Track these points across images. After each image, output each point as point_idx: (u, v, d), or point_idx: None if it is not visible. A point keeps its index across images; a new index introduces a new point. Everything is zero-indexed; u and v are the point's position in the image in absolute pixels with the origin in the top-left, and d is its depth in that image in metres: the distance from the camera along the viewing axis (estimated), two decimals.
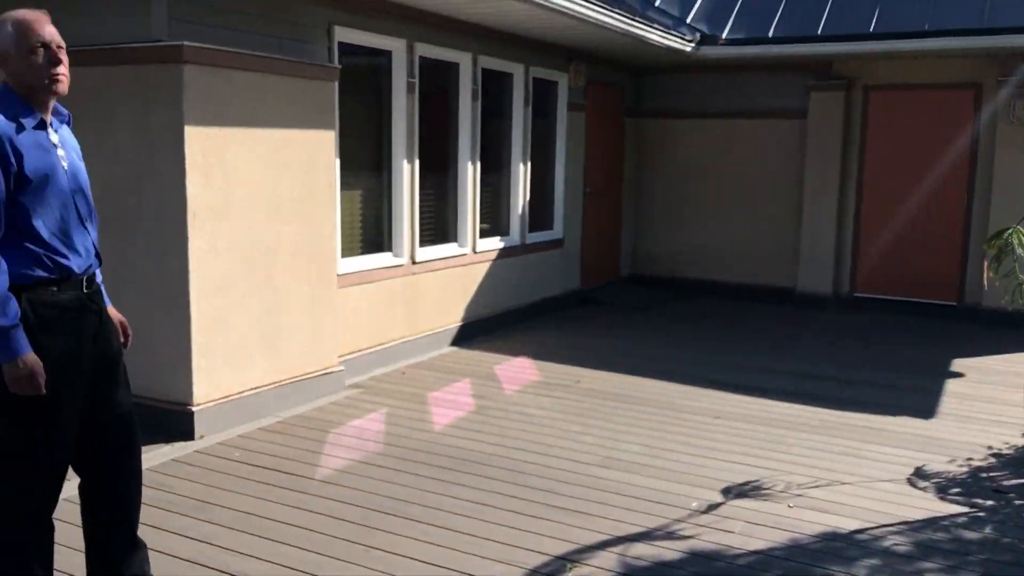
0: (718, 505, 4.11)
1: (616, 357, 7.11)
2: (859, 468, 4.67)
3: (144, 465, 4.07)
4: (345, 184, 6.16)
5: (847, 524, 3.92)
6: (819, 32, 8.91)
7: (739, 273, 10.18)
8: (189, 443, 4.75)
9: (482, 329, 7.70)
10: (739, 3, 9.76)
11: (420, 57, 6.70)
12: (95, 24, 4.83)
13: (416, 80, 6.65)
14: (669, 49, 8.63)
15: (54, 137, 2.72)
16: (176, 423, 4.83)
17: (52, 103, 2.74)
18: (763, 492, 4.28)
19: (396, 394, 5.86)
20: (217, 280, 4.91)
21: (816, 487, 4.36)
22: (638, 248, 10.78)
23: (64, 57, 2.69)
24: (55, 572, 2.81)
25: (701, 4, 9.89)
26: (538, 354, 7.11)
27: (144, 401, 4.95)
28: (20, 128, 2.57)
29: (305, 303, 5.54)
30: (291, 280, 5.42)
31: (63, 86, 2.70)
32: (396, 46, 6.47)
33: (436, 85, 7.08)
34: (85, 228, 2.79)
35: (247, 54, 4.97)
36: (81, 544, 2.93)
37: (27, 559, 2.67)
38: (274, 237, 5.26)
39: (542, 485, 4.30)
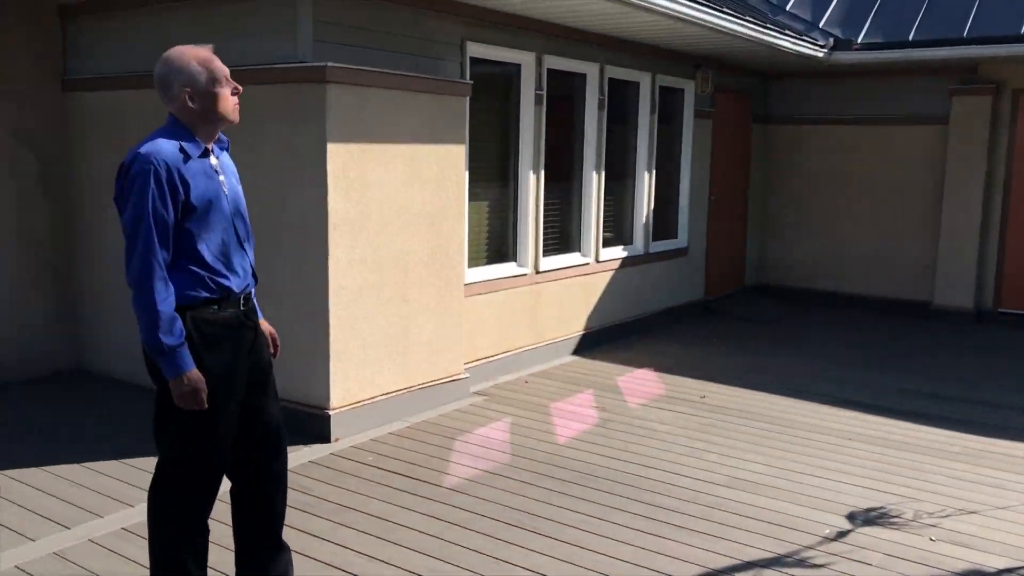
0: (851, 533, 4.00)
1: (741, 371, 6.99)
2: (1005, 500, 4.44)
3: None
4: (472, 195, 6.30)
5: (994, 562, 3.74)
6: (965, 34, 8.48)
7: (871, 285, 9.81)
8: (325, 445, 4.97)
9: (604, 339, 7.71)
10: (876, 5, 9.40)
11: (548, 69, 6.77)
12: (247, 45, 5.12)
13: (544, 92, 6.73)
14: (800, 55, 8.40)
15: (216, 163, 2.91)
16: (313, 425, 5.07)
17: (219, 132, 2.93)
18: (900, 522, 4.13)
19: (519, 403, 5.95)
20: (354, 290, 5.12)
21: (958, 519, 4.18)
22: (764, 257, 10.53)
23: (239, 88, 2.91)
24: (208, 570, 3.01)
25: (835, 7, 9.58)
26: (661, 366, 7.07)
27: (284, 403, 5.23)
28: (187, 158, 2.77)
29: (433, 312, 5.69)
30: (421, 290, 5.58)
31: (238, 115, 2.92)
32: (525, 59, 6.57)
33: (562, 95, 7.14)
34: (243, 249, 2.98)
35: (385, 73, 5.15)
36: (231, 543, 3.12)
37: (184, 559, 2.87)
38: (406, 248, 5.44)
39: (667, 504, 4.29)
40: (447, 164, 5.69)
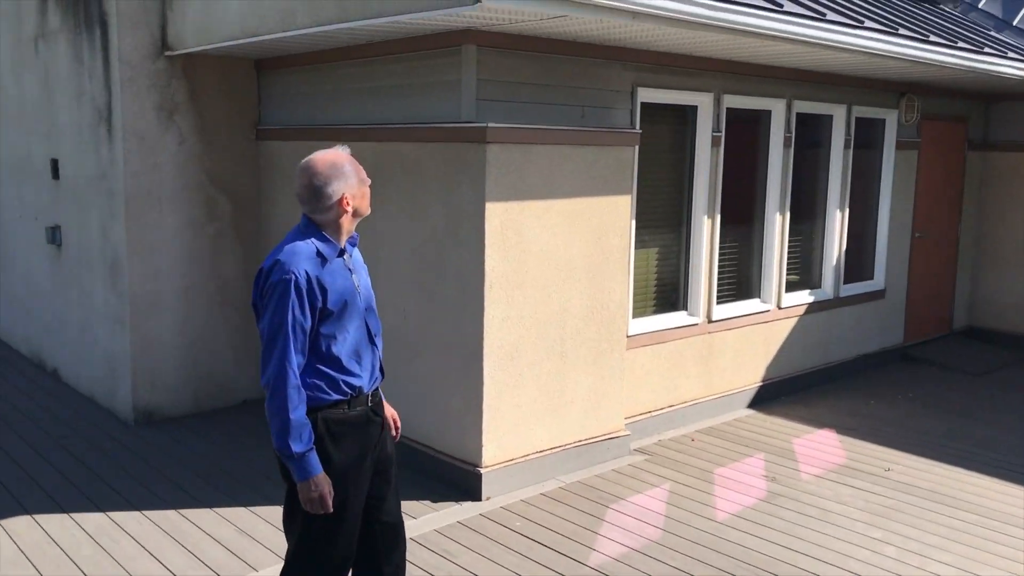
0: None
1: (939, 438, 6.31)
2: None
3: (431, 526, 4.34)
4: (639, 242, 6.09)
5: None
6: None
7: None
8: (475, 504, 4.95)
9: (784, 390, 7.23)
10: None
11: (727, 109, 6.42)
12: (413, 103, 5.20)
13: (722, 133, 6.38)
14: None
15: (349, 262, 2.92)
16: (464, 481, 5.07)
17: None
18: None
19: (681, 465, 5.67)
20: (509, 347, 5.07)
21: None
22: (977, 297, 9.50)
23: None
24: None
25: None
26: (844, 427, 6.51)
27: (436, 455, 5.28)
28: (325, 261, 2.79)
29: (592, 367, 5.54)
30: (579, 345, 5.45)
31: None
32: (702, 101, 6.25)
33: (743, 134, 6.75)
34: (374, 344, 2.99)
35: (546, 129, 5.06)
36: None
37: None
38: (564, 304, 5.32)
39: None
40: (611, 216, 5.51)
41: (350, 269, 2.91)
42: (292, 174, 6.28)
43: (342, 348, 2.84)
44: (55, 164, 6.95)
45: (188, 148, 6.27)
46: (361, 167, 2.91)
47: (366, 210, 2.90)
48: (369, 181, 2.92)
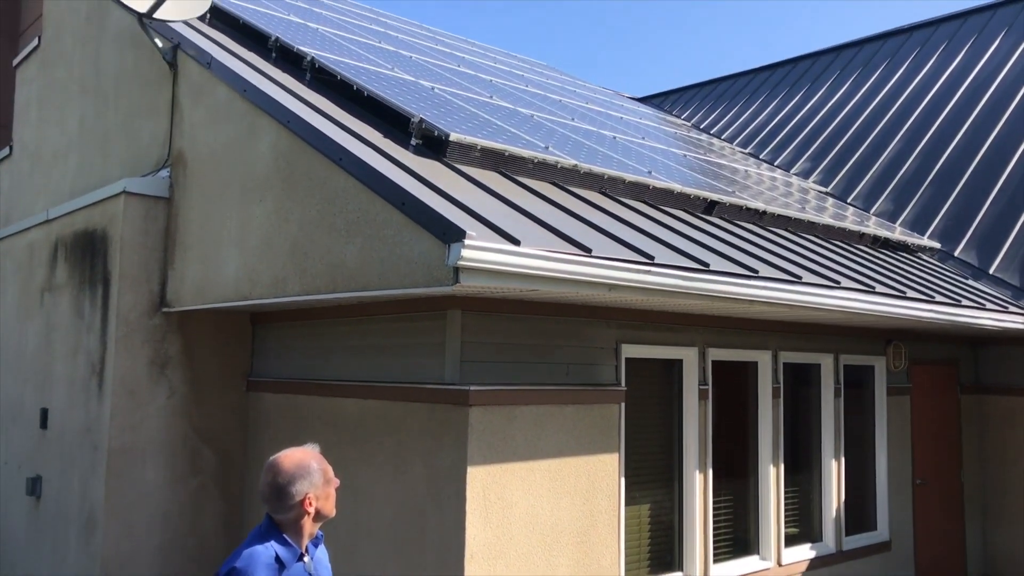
0: None
1: None
2: None
3: None
4: (630, 499, 5.93)
5: None
6: None
7: None
8: None
9: None
10: None
11: (713, 362, 6.49)
12: (398, 362, 5.26)
13: (709, 386, 6.41)
14: (1005, 331, 7.61)
15: (309, 564, 2.82)
16: None
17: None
18: None
19: None
20: None
21: None
22: (991, 548, 9.11)
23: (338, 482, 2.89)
24: None
25: None
26: None
27: None
28: (282, 568, 2.69)
29: None
30: None
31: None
32: (687, 355, 6.34)
33: (731, 385, 6.78)
34: None
35: (529, 390, 5.09)
36: None
37: None
38: (550, 571, 5.09)
39: None
40: (599, 476, 5.41)
41: (310, 574, 2.80)
42: (282, 426, 6.29)
43: None
44: (45, 414, 6.96)
45: (177, 401, 6.29)
46: (329, 467, 2.87)
47: (330, 512, 2.83)
48: (337, 482, 2.87)
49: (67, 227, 7.06)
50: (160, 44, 6.46)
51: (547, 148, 6.24)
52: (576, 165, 6.11)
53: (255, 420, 6.60)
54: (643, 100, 18.37)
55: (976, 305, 7.29)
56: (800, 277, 5.70)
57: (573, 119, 8.88)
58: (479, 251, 3.97)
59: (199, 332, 6.42)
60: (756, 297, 5.26)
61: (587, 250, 4.49)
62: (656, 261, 4.77)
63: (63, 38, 8.56)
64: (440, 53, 10.67)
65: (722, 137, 14.60)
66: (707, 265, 5.09)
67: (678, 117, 16.18)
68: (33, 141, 9.13)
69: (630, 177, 6.45)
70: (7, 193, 9.69)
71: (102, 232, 6.39)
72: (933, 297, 6.84)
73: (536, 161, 5.91)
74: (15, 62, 9.71)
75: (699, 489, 6.30)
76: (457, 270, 3.96)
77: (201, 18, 7.39)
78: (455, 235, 3.97)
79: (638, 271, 4.62)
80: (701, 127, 15.41)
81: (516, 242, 4.17)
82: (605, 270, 4.48)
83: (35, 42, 9.08)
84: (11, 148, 9.64)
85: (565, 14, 48.45)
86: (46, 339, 7.17)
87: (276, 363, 6.46)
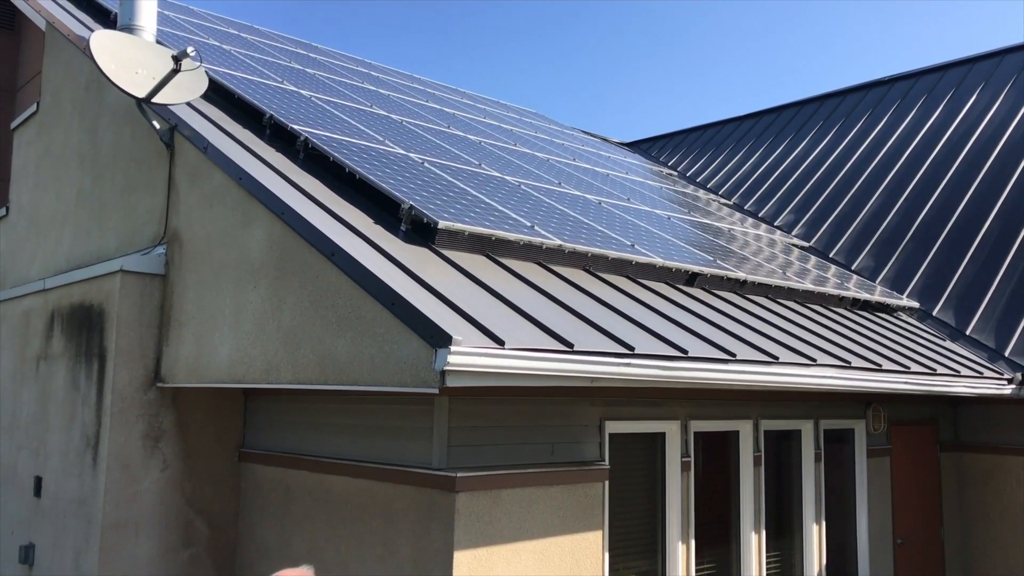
0: None
1: None
2: None
3: None
4: (613, 572, 6.06)
5: None
6: None
7: None
8: None
9: None
10: None
11: (695, 433, 6.66)
12: (387, 443, 5.41)
13: (691, 458, 6.57)
14: (981, 396, 7.81)
15: None
16: None
17: None
18: None
19: None
20: None
21: None
22: None
23: None
24: None
25: (1022, 334, 8.94)
26: None
27: None
28: None
29: None
30: None
31: None
32: (669, 428, 6.50)
33: (713, 455, 6.94)
34: None
35: (514, 473, 5.24)
36: None
37: None
38: None
39: None
40: (583, 553, 5.55)
41: None
42: (272, 499, 6.42)
43: None
44: (39, 482, 7.07)
45: (170, 474, 6.41)
46: None
47: None
48: None
49: (64, 298, 7.21)
50: (158, 126, 6.65)
51: (532, 227, 6.44)
52: (560, 245, 6.30)
53: (247, 491, 6.72)
54: (631, 145, 18.67)
55: (951, 372, 7.49)
56: (777, 357, 5.89)
57: (560, 183, 9.10)
58: (465, 356, 4.13)
59: (193, 406, 6.56)
60: (734, 381, 5.44)
61: (569, 345, 4.66)
62: (636, 352, 4.95)
63: (62, 104, 8.76)
64: (431, 111, 10.91)
65: (708, 186, 14.87)
66: (686, 352, 5.27)
67: (665, 165, 16.46)
68: (30, 204, 9.30)
69: (613, 254, 6.65)
70: (2, 254, 9.84)
71: (99, 307, 6.54)
72: (908, 368, 7.03)
73: (522, 243, 6.10)
74: (13, 125, 9.89)
75: (682, 559, 6.43)
76: (444, 373, 4.13)
77: None
78: (442, 340, 4.14)
79: (618, 364, 4.80)
80: (688, 174, 15.69)
81: (501, 343, 4.34)
82: (586, 365, 4.65)
83: (33, 107, 9.27)
84: (7, 209, 9.80)
85: (566, 66, 49.14)
86: (42, 407, 7.29)
87: (268, 436, 6.60)
